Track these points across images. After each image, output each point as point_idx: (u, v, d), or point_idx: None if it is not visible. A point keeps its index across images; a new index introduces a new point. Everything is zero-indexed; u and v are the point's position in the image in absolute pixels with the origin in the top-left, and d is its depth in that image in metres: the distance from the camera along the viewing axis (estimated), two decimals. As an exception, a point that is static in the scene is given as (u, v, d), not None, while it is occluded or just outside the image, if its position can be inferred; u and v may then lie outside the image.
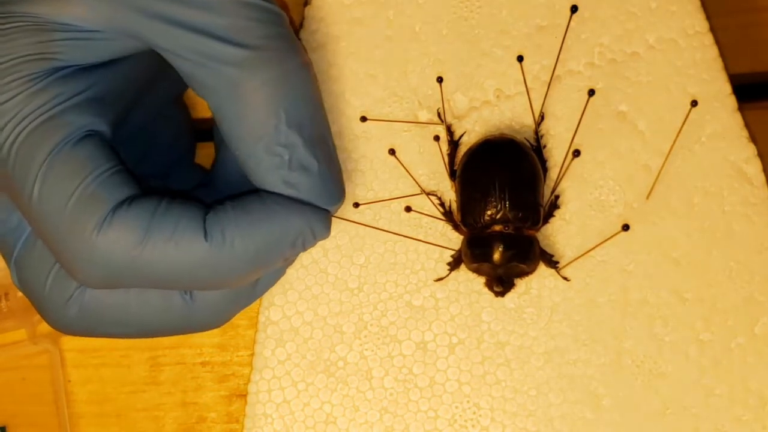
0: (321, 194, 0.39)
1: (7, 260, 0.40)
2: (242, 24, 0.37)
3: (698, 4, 0.43)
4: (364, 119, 0.43)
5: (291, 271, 0.43)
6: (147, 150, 0.42)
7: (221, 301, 0.40)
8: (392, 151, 0.42)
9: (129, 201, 0.36)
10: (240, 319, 0.46)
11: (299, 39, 0.44)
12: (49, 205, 0.36)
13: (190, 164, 0.45)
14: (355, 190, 0.43)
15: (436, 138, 0.42)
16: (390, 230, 0.43)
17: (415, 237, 0.43)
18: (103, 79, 0.38)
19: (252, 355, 0.44)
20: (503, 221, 0.41)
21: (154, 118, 0.43)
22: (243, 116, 0.37)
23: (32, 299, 0.40)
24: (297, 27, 0.44)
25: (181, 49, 0.37)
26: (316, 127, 0.39)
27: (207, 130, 0.44)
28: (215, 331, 0.43)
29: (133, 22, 0.37)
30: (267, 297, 0.43)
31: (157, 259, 0.36)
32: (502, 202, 0.41)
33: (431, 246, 0.43)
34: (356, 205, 0.43)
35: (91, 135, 0.37)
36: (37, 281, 0.39)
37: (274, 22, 0.38)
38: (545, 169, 0.43)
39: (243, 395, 0.46)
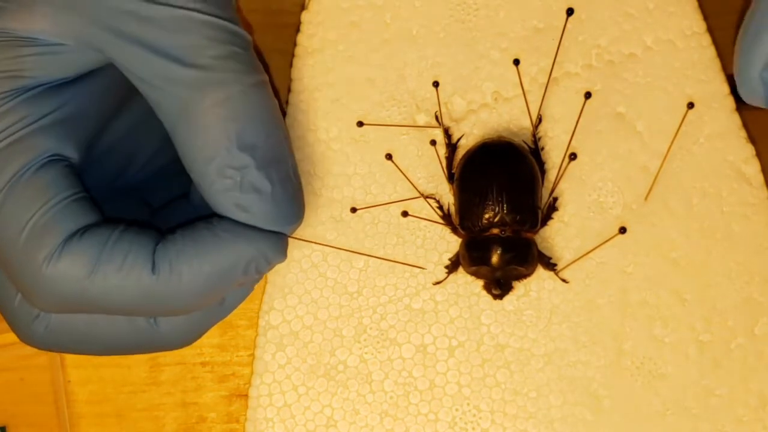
0: (275, 217, 0.38)
1: None
2: (194, 43, 0.36)
3: (696, 4, 0.43)
4: (360, 124, 0.43)
5: (290, 276, 0.43)
6: (131, 158, 0.42)
7: (186, 323, 0.39)
8: (389, 156, 0.42)
9: (82, 231, 0.36)
10: (240, 319, 0.46)
11: (296, 44, 0.44)
12: (4, 234, 0.35)
13: (178, 171, 0.45)
14: (353, 194, 0.43)
15: (433, 143, 0.42)
16: (355, 251, 0.43)
17: (387, 258, 0.43)
18: (73, 98, 0.37)
19: (252, 355, 0.44)
20: (501, 224, 0.41)
21: (137, 126, 0.42)
22: (194, 137, 0.37)
23: (4, 315, 0.39)
24: (295, 32, 0.44)
25: (134, 67, 0.36)
26: (271, 149, 0.38)
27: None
28: (215, 331, 0.43)
29: (92, 36, 0.36)
30: (267, 301, 0.44)
31: (107, 290, 0.36)
32: (500, 205, 0.41)
33: (430, 249, 0.43)
34: (353, 210, 0.43)
35: (55, 160, 0.36)
36: (8, 298, 0.39)
37: (229, 42, 0.37)
38: (543, 172, 0.42)
39: (243, 395, 0.46)
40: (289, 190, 0.38)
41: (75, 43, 0.37)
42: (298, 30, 0.44)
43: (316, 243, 0.43)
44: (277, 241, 0.38)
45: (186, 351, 0.46)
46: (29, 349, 0.46)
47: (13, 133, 0.36)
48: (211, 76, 0.36)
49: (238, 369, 0.46)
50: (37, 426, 0.47)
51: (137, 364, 0.47)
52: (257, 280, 0.40)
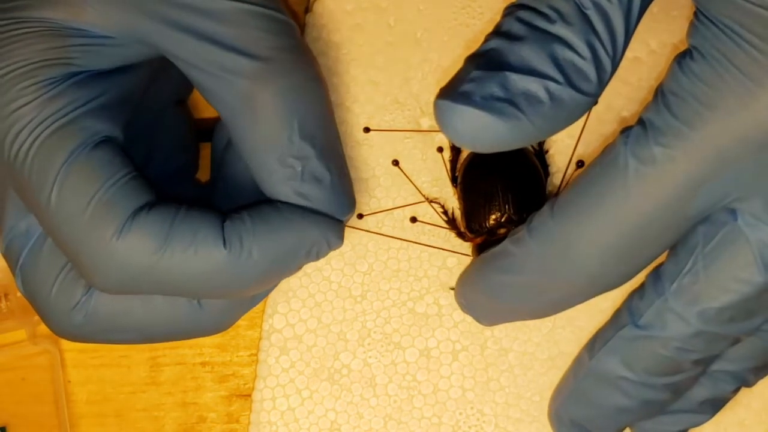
0: (333, 205, 0.39)
1: (13, 266, 0.40)
2: (253, 35, 0.37)
3: (700, 8, 0.43)
4: (367, 130, 0.43)
5: (294, 280, 0.43)
6: (148, 157, 0.42)
7: (227, 305, 0.40)
8: (396, 162, 0.42)
9: (148, 207, 0.36)
10: (240, 319, 0.46)
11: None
12: (67, 211, 0.36)
13: (191, 177, 0.45)
14: (358, 197, 0.43)
15: (440, 149, 0.42)
16: (395, 236, 0.43)
17: (421, 242, 0.43)
18: (117, 84, 0.38)
19: (252, 355, 0.44)
20: (508, 224, 0.41)
21: (154, 124, 0.42)
22: (255, 127, 0.37)
23: (36, 306, 0.40)
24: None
25: (192, 59, 0.37)
26: (329, 139, 0.39)
27: (209, 130, 0.44)
28: (215, 331, 0.43)
29: (147, 30, 0.37)
30: (271, 305, 0.44)
31: (175, 266, 0.36)
32: (506, 205, 0.41)
33: (434, 253, 0.43)
34: (360, 216, 0.43)
35: (106, 140, 0.37)
36: (43, 288, 0.39)
37: (286, 33, 0.38)
38: (547, 174, 0.42)
39: (243, 395, 0.46)
40: (344, 180, 0.39)
41: (123, 37, 0.37)
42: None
43: (366, 231, 0.43)
44: (338, 226, 0.39)
45: (186, 351, 0.46)
46: (30, 349, 0.46)
47: (65, 115, 0.36)
48: (272, 67, 0.37)
49: (238, 369, 0.46)
50: (37, 426, 0.47)
51: (137, 364, 0.47)
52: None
